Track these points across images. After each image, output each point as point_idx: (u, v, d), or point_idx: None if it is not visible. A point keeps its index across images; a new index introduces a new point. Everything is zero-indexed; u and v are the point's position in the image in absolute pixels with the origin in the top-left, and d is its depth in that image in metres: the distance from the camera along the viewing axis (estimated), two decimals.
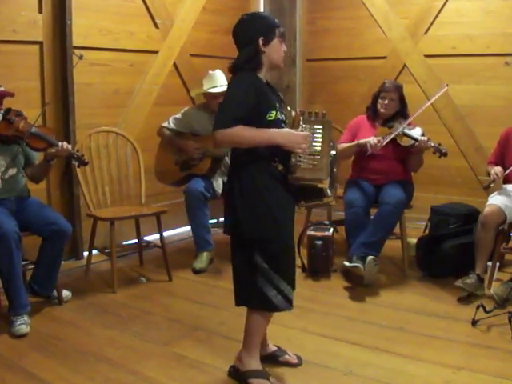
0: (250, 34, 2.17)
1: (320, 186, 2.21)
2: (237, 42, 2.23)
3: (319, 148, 2.20)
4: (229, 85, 2.24)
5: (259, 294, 2.20)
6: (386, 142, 3.47)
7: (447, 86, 3.56)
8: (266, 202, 2.16)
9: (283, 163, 2.18)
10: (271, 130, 2.14)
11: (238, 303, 2.33)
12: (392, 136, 3.48)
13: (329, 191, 2.25)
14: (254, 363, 2.30)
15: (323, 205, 2.51)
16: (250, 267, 2.21)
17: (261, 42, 2.16)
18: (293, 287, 2.27)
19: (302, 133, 2.18)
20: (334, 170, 2.37)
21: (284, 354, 2.49)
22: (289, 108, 2.33)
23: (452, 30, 4.52)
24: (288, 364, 2.46)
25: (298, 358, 2.49)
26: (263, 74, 2.23)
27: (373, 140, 3.46)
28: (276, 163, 2.18)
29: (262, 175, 2.17)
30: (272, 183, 2.18)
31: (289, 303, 2.25)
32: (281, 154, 2.17)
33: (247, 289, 2.25)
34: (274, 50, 2.20)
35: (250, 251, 2.20)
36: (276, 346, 2.53)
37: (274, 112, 2.17)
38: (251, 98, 2.11)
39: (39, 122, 3.16)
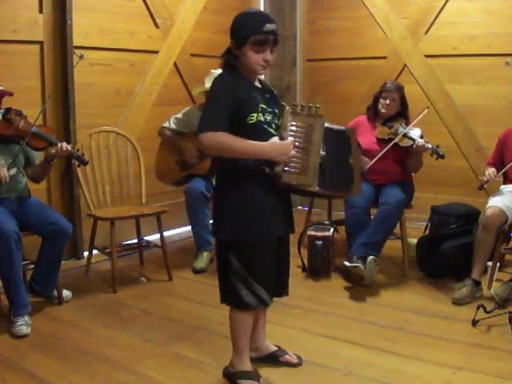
0: (230, 33, 2.14)
1: (309, 189, 2.12)
2: None
3: (307, 150, 2.10)
4: (212, 84, 2.16)
5: (232, 292, 2.20)
6: (386, 149, 3.47)
7: (428, 108, 3.61)
8: (243, 203, 2.13)
9: (270, 166, 2.10)
10: (257, 143, 2.06)
11: (221, 301, 2.34)
12: (391, 144, 3.48)
13: (344, 191, 2.25)
14: (243, 364, 2.29)
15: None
16: (225, 266, 2.21)
17: (232, 45, 2.12)
18: (267, 289, 2.20)
19: (287, 141, 2.07)
20: (351, 161, 2.26)
21: (284, 353, 2.49)
22: (283, 103, 2.23)
23: (452, 30, 4.52)
24: (288, 364, 2.46)
25: (298, 357, 2.49)
26: (252, 75, 2.16)
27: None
28: (263, 166, 2.09)
29: (242, 177, 2.12)
30: (251, 185, 2.12)
31: (261, 303, 2.21)
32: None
33: (223, 287, 2.27)
34: (245, 57, 2.09)
35: (226, 250, 2.20)
36: (276, 345, 2.53)
37: (255, 114, 2.08)
38: (230, 102, 2.05)
39: (39, 121, 3.16)
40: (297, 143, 2.10)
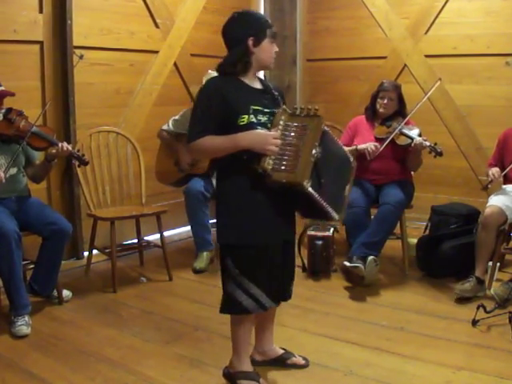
0: (240, 33, 2.11)
1: (303, 190, 2.01)
2: (225, 42, 2.16)
3: (298, 148, 2.03)
4: (196, 93, 2.16)
5: (229, 297, 2.17)
6: (385, 144, 3.48)
7: (440, 80, 3.63)
8: (234, 205, 2.11)
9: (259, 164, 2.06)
10: (236, 134, 2.04)
11: (219, 310, 2.26)
12: (391, 136, 3.50)
13: (331, 210, 2.08)
14: (243, 365, 2.28)
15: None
16: (224, 271, 2.19)
17: (250, 42, 2.09)
18: (266, 292, 2.16)
19: (270, 132, 2.04)
20: (347, 187, 2.22)
21: (291, 356, 2.47)
22: (284, 107, 2.16)
23: (452, 30, 4.52)
24: (296, 366, 2.45)
25: (305, 359, 2.47)
26: (250, 76, 2.15)
27: (370, 147, 3.48)
28: (256, 165, 2.04)
29: (238, 178, 2.11)
30: (247, 186, 2.09)
31: (260, 307, 2.16)
32: (258, 156, 2.03)
33: (223, 293, 2.22)
34: (264, 51, 2.12)
35: (224, 255, 2.18)
36: (282, 348, 2.51)
37: (246, 116, 2.05)
38: (215, 107, 2.04)
39: (40, 121, 3.16)
40: (287, 141, 2.04)
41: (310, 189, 2.01)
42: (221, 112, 2.05)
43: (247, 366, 2.30)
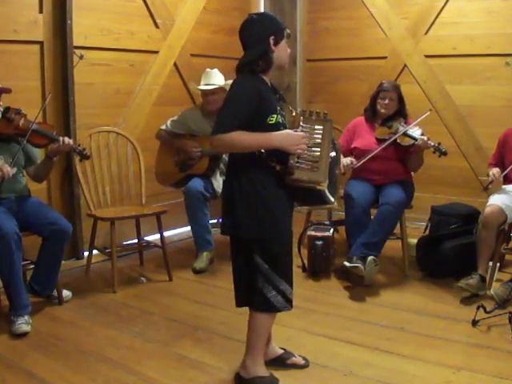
0: (261, 33, 2.13)
1: (318, 187, 2.14)
2: (244, 41, 2.18)
3: (318, 149, 2.15)
4: (230, 87, 2.18)
5: (259, 295, 2.18)
6: (384, 146, 3.49)
7: (430, 110, 3.66)
8: (265, 202, 2.13)
9: (281, 163, 2.12)
10: (268, 133, 2.10)
11: (239, 305, 2.31)
12: (389, 142, 3.49)
13: (330, 197, 2.19)
14: (258, 369, 2.26)
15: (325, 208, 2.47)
16: (250, 268, 2.19)
17: (271, 41, 2.13)
18: (292, 288, 2.25)
19: (300, 133, 2.13)
20: (336, 171, 2.33)
21: (291, 356, 2.48)
22: (290, 108, 2.27)
23: (452, 30, 4.52)
24: (296, 366, 2.45)
25: (305, 359, 2.48)
26: (269, 75, 2.21)
27: (345, 161, 3.52)
28: (274, 163, 2.13)
29: (260, 175, 2.14)
30: (270, 183, 2.14)
31: (288, 303, 2.22)
32: (278, 153, 2.11)
33: (248, 290, 2.23)
34: (282, 51, 2.19)
35: (250, 252, 2.17)
36: (282, 348, 2.51)
37: (275, 116, 2.13)
38: (253, 102, 2.07)
39: (39, 119, 3.15)
40: (308, 142, 2.14)
41: (326, 189, 2.14)
42: (256, 109, 2.08)
43: (263, 370, 2.27)
